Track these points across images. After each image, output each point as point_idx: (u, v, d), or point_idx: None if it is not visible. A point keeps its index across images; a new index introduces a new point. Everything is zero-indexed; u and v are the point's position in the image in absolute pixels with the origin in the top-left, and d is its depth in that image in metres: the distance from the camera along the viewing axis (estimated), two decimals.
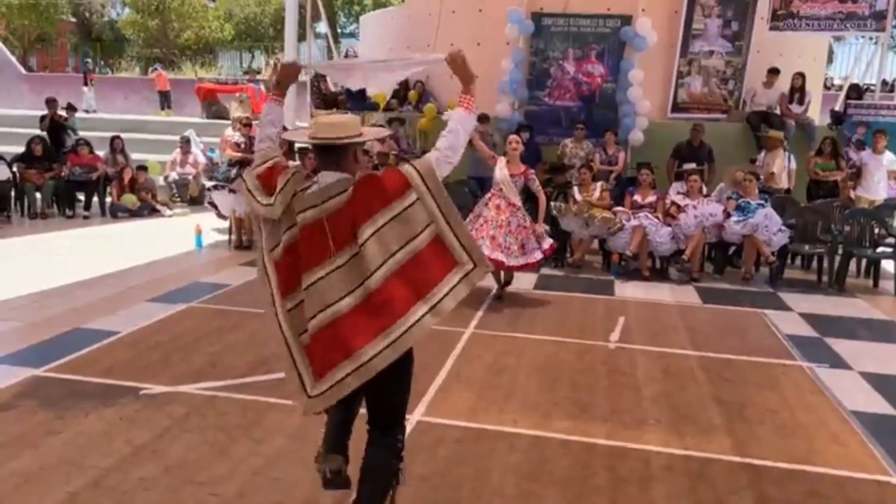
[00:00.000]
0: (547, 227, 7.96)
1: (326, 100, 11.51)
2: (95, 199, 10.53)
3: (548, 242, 6.48)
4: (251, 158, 8.76)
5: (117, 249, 8.07)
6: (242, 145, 9.77)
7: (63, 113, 11.70)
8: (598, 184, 8.01)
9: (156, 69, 20.55)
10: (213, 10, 32.49)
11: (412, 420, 3.75)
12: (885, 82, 12.19)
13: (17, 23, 28.76)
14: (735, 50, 10.38)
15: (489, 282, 6.52)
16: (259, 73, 20.07)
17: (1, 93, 19.40)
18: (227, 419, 3.74)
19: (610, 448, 3.57)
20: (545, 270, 7.53)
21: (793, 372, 4.82)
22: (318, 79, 11.63)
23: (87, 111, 17.29)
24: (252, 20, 33.40)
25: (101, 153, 10.82)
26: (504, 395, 4.22)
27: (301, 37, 13.44)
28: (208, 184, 9.93)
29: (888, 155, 8.89)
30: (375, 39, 13.27)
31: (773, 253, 7.38)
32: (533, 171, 6.56)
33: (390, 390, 2.53)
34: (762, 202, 7.57)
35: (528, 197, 6.66)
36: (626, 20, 10.12)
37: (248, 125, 10.10)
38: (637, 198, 7.82)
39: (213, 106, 17.34)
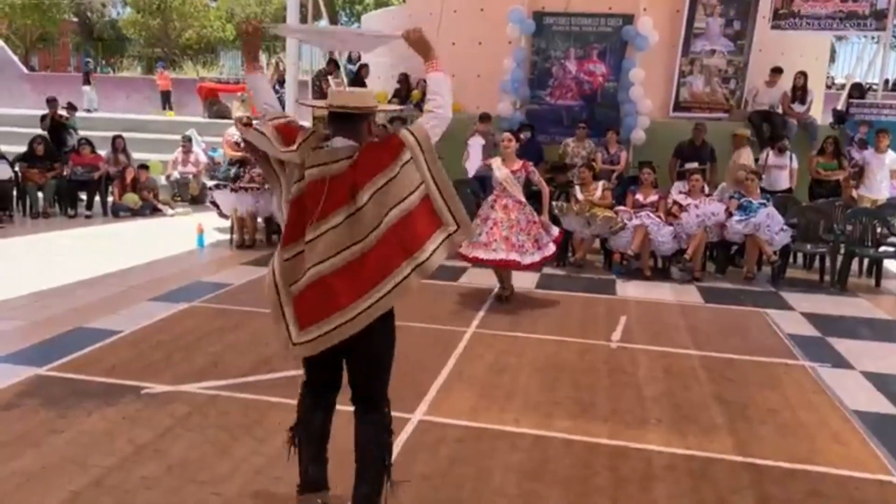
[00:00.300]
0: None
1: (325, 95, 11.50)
2: (97, 198, 10.55)
3: (555, 230, 6.50)
4: (251, 158, 8.76)
5: (119, 249, 8.08)
6: (242, 144, 9.78)
7: (63, 112, 11.72)
8: (600, 183, 8.00)
9: (161, 67, 20.55)
10: (215, 9, 32.50)
11: (413, 419, 3.76)
12: (887, 81, 12.16)
13: (20, 22, 28.79)
14: (737, 49, 10.36)
15: (491, 281, 6.52)
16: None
17: (3, 92, 19.43)
18: (229, 418, 3.74)
19: (612, 448, 3.57)
20: (547, 270, 7.53)
21: (795, 371, 4.81)
22: (320, 78, 11.62)
23: (88, 110, 17.33)
24: (253, 20, 33.40)
25: (102, 153, 10.84)
26: (505, 394, 4.22)
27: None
28: (210, 183, 9.94)
29: (890, 154, 8.88)
30: None
31: (775, 252, 7.37)
32: (531, 162, 6.54)
33: (373, 354, 2.60)
34: (764, 201, 7.56)
35: (531, 194, 6.66)
36: (628, 19, 10.10)
37: (249, 125, 10.09)
38: (639, 197, 7.81)
39: (214, 105, 17.35)
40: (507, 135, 6.21)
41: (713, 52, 10.38)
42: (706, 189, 7.91)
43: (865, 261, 7.95)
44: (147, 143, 13.40)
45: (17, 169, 10.13)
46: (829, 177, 8.92)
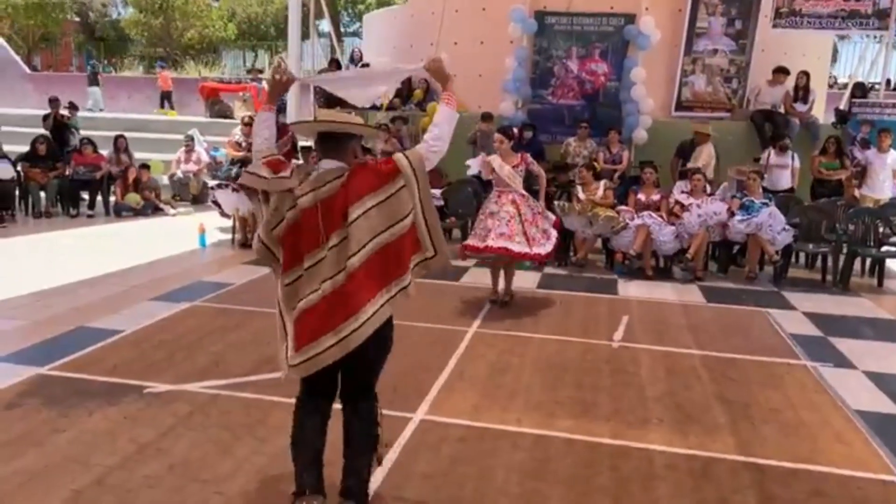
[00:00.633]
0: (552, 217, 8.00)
1: (330, 99, 11.51)
2: (99, 198, 10.56)
3: (551, 216, 6.51)
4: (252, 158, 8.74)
5: (121, 248, 8.09)
6: (244, 144, 9.78)
7: (65, 112, 11.74)
8: (601, 182, 8.00)
9: (163, 66, 20.56)
10: (217, 9, 32.51)
11: (415, 419, 3.76)
12: (889, 81, 12.14)
13: (22, 22, 28.82)
14: (739, 48, 10.36)
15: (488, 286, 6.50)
16: (262, 72, 20.08)
17: (5, 92, 19.45)
18: (231, 418, 3.74)
19: (613, 447, 3.57)
20: (548, 269, 7.53)
21: (797, 371, 4.81)
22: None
23: (90, 109, 17.40)
24: (255, 19, 33.43)
25: (104, 152, 10.85)
26: (507, 394, 4.21)
27: (304, 36, 13.46)
28: (211, 182, 9.94)
29: (893, 154, 8.87)
30: (379, 38, 13.28)
31: (777, 252, 7.37)
32: (528, 153, 6.51)
33: (367, 365, 2.72)
34: (766, 201, 7.55)
35: (533, 195, 6.64)
36: (630, 18, 10.10)
37: (250, 124, 10.10)
38: (641, 197, 7.81)
39: (216, 105, 17.38)
40: (498, 136, 6.07)
41: (715, 51, 10.38)
42: (708, 189, 7.90)
43: (868, 260, 7.94)
44: (149, 142, 13.41)
45: (19, 168, 10.15)
46: (832, 176, 8.90)
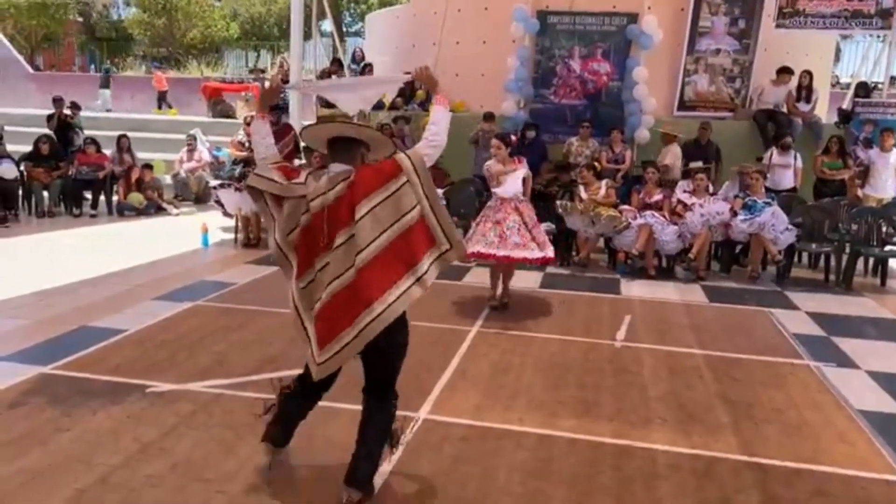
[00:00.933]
0: (553, 226, 7.99)
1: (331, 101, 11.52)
2: (102, 197, 10.58)
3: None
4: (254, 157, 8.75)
5: (123, 248, 8.10)
6: (247, 144, 9.79)
7: (68, 112, 11.76)
8: (604, 182, 7.99)
9: (157, 67, 20.59)
10: (219, 9, 32.54)
11: (418, 418, 3.76)
12: (893, 79, 12.11)
13: (25, 22, 28.86)
14: (742, 48, 10.35)
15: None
16: (264, 72, 20.09)
17: (8, 92, 19.48)
18: (234, 417, 3.74)
19: (616, 447, 3.56)
20: (550, 269, 7.52)
21: (800, 371, 4.80)
22: (324, 78, 11.62)
23: (92, 109, 17.47)
24: (258, 19, 33.45)
25: (107, 152, 10.87)
26: (510, 393, 4.21)
27: (306, 36, 13.46)
28: (214, 182, 9.96)
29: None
30: (381, 38, 13.28)
31: (779, 252, 7.35)
32: (530, 153, 6.46)
33: (387, 356, 2.84)
34: (769, 200, 7.54)
35: (536, 195, 6.63)
36: (632, 18, 10.10)
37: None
38: (643, 196, 7.80)
39: (218, 105, 17.38)
40: (495, 141, 5.95)
41: (718, 51, 10.37)
42: (711, 188, 7.89)
43: (871, 260, 7.93)
44: (151, 142, 13.43)
45: (22, 168, 10.17)
46: (834, 176, 8.89)
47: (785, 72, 9.88)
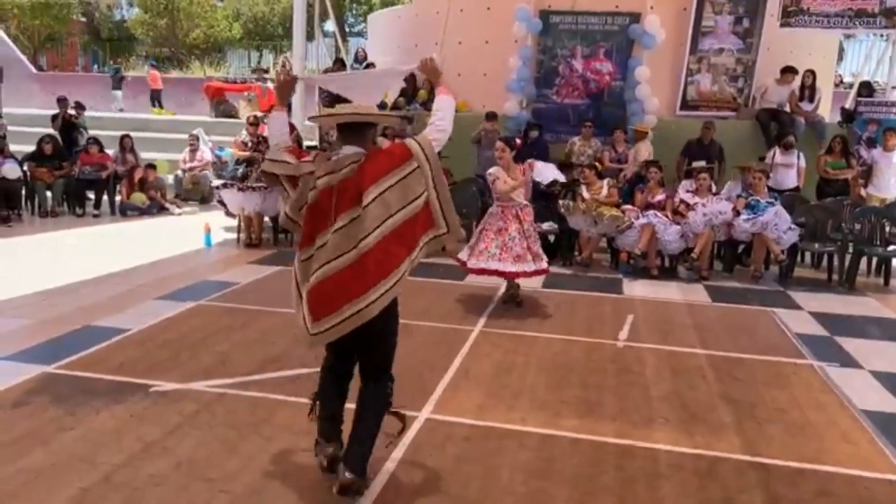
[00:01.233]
0: (555, 226, 7.99)
1: (333, 98, 11.53)
2: (105, 197, 10.59)
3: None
4: (258, 157, 8.84)
5: (126, 248, 8.11)
6: (250, 144, 9.80)
7: (72, 112, 11.78)
8: (606, 181, 7.99)
9: (153, 66, 20.60)
10: (222, 9, 32.58)
11: (420, 417, 3.76)
12: None
13: (28, 22, 28.92)
14: (745, 47, 10.33)
15: (496, 280, 6.48)
16: (267, 71, 20.11)
17: (12, 92, 19.48)
18: (237, 416, 3.75)
19: (619, 447, 3.56)
20: (553, 269, 7.49)
21: (803, 371, 4.79)
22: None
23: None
24: (260, 19, 33.48)
25: (110, 152, 10.88)
26: (512, 393, 4.21)
27: (309, 36, 13.47)
28: (216, 182, 9.97)
29: None
30: (383, 38, 13.28)
31: (782, 251, 7.34)
32: (533, 162, 6.43)
33: (380, 340, 2.93)
34: (772, 200, 7.53)
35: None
36: (635, 17, 10.09)
37: (256, 124, 10.11)
38: (646, 196, 7.79)
39: (221, 105, 17.41)
40: (500, 144, 5.85)
41: (721, 50, 10.36)
42: (713, 188, 7.88)
43: (874, 260, 7.91)
44: (154, 142, 13.45)
45: (25, 168, 10.19)
46: (838, 175, 8.87)
47: (789, 71, 9.86)
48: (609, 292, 6.82)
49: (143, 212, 10.43)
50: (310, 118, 3.23)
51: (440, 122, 3.04)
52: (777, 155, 8.83)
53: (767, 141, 9.61)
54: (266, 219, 8.72)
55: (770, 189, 7.93)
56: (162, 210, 10.67)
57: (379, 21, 14.45)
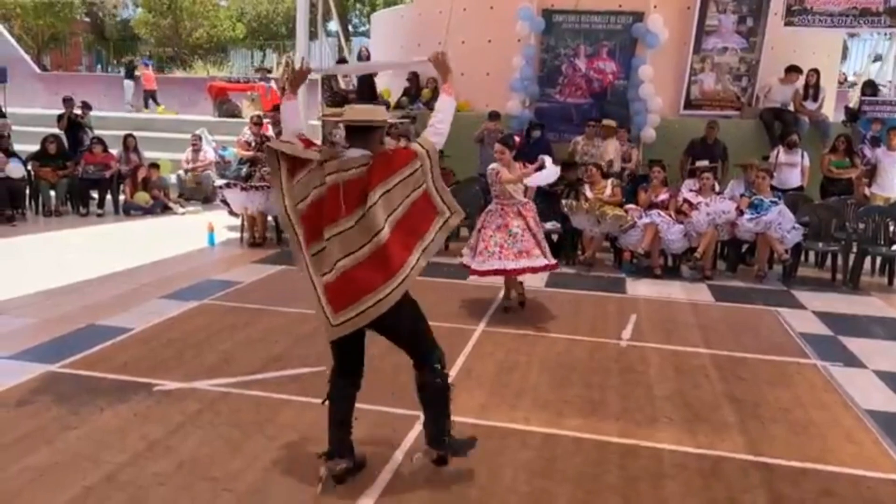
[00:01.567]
0: (558, 225, 7.98)
1: (337, 97, 11.55)
2: (109, 196, 10.61)
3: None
4: (261, 157, 8.83)
5: (130, 247, 8.12)
6: (253, 143, 9.81)
7: (78, 112, 11.81)
8: (609, 181, 7.98)
9: (147, 65, 20.61)
10: (226, 9, 32.61)
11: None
12: None
13: (32, 22, 28.98)
14: (749, 46, 10.31)
15: (498, 280, 6.47)
16: (270, 71, 20.11)
17: (16, 91, 19.53)
18: (240, 415, 3.76)
19: (622, 446, 3.56)
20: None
21: (806, 370, 4.78)
22: (330, 78, 11.67)
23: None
24: (264, 19, 33.51)
25: (114, 151, 10.90)
26: (515, 392, 4.21)
27: (312, 35, 13.48)
28: (219, 182, 9.98)
29: None
30: (386, 38, 13.28)
31: (786, 251, 7.33)
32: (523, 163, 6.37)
33: (405, 322, 3.03)
34: (775, 199, 7.51)
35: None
36: (638, 17, 10.08)
37: (259, 123, 10.12)
38: (649, 195, 7.78)
39: (224, 104, 17.42)
40: (498, 146, 5.75)
41: (725, 49, 10.34)
42: (717, 187, 7.87)
43: (878, 259, 7.88)
44: (157, 141, 13.47)
45: (29, 167, 10.21)
46: (842, 175, 8.85)
47: (793, 70, 9.83)
48: (612, 292, 6.81)
49: (146, 211, 10.44)
50: (321, 117, 3.30)
51: (439, 126, 3.16)
52: (781, 154, 8.81)
53: (771, 140, 9.59)
54: (269, 218, 8.72)
55: (774, 188, 7.91)
56: (165, 209, 10.68)
57: (382, 20, 14.45)
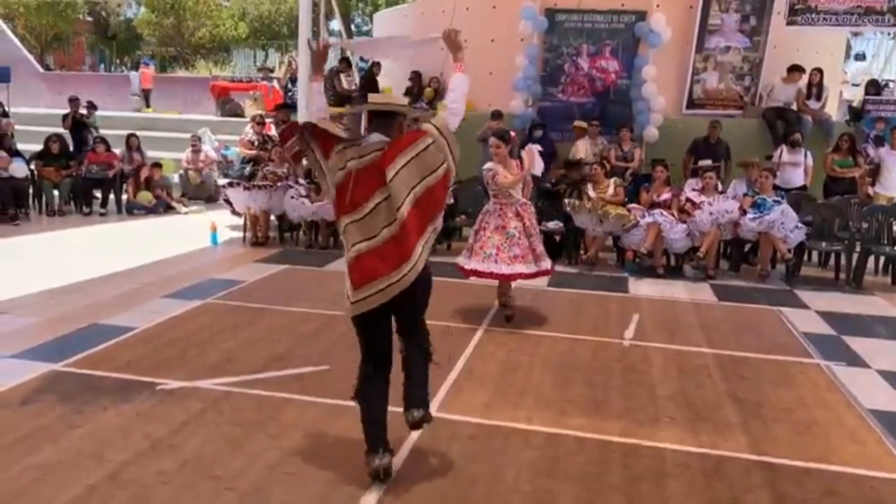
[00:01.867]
0: (561, 225, 7.97)
1: (340, 97, 11.55)
2: (112, 196, 10.63)
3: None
4: (263, 156, 8.88)
5: (133, 246, 8.13)
6: (256, 143, 9.81)
7: (84, 111, 11.83)
8: (612, 180, 7.97)
9: (146, 64, 20.61)
10: (228, 8, 32.66)
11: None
12: None
13: (35, 22, 29.05)
14: (752, 45, 10.29)
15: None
16: (272, 70, 20.12)
17: (19, 91, 19.57)
18: (243, 414, 3.76)
19: (625, 445, 3.56)
20: (558, 268, 7.48)
21: (809, 370, 4.78)
22: (333, 77, 11.66)
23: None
24: (266, 19, 33.56)
25: (117, 151, 10.92)
26: (518, 392, 4.21)
27: (315, 35, 13.47)
28: (222, 181, 9.99)
29: None
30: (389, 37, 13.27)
31: (789, 250, 7.32)
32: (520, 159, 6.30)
33: (416, 300, 3.10)
34: (778, 199, 7.50)
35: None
36: (641, 16, 10.05)
37: (262, 123, 10.13)
38: (651, 194, 7.77)
39: (227, 104, 17.45)
40: (494, 140, 5.59)
41: (728, 48, 10.31)
42: (720, 186, 7.85)
43: (881, 259, 7.87)
44: (160, 141, 13.48)
45: (32, 167, 10.23)
46: (845, 174, 8.83)
47: (796, 70, 9.80)
48: (615, 291, 6.81)
49: (149, 211, 10.46)
50: (347, 110, 3.34)
51: (453, 105, 3.21)
52: (784, 153, 8.79)
53: (774, 139, 9.56)
54: (272, 217, 8.73)
55: (777, 188, 7.90)
56: (168, 209, 10.70)
57: (385, 20, 14.45)
